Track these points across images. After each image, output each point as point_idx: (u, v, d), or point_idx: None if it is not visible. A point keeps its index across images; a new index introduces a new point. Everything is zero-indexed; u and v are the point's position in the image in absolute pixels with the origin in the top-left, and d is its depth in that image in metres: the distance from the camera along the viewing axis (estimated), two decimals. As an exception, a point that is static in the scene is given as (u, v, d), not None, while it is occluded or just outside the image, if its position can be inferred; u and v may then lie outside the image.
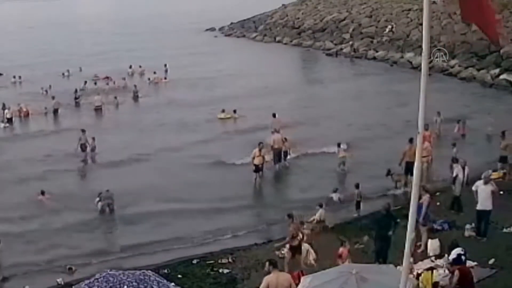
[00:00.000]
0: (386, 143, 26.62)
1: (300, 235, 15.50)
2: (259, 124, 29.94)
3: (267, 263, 11.79)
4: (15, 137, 31.57)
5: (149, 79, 44.06)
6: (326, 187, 22.15)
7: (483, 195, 16.27)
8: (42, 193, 22.07)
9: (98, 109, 35.50)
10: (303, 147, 27.14)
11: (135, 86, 39.48)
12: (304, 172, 24.79)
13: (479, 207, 16.30)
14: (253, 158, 23.33)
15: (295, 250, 15.21)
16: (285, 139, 25.34)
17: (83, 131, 27.61)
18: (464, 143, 26.32)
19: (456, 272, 12.03)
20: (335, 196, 21.21)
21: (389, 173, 21.88)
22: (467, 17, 6.00)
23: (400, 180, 21.67)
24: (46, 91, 39.37)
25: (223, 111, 33.30)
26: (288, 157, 25.60)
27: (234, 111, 33.02)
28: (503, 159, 22.28)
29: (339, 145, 24.59)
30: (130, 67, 47.39)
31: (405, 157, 21.40)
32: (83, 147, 27.23)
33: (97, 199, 21.07)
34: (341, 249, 14.85)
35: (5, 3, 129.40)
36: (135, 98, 38.68)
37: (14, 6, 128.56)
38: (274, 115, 28.50)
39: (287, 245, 15.48)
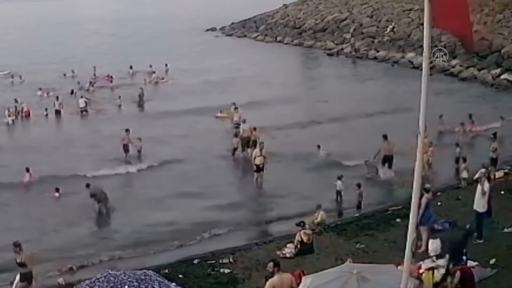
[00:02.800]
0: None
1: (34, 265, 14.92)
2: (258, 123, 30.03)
3: (271, 264, 11.35)
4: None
5: (145, 79, 43.98)
6: (326, 186, 22.14)
7: (476, 195, 16.42)
8: (57, 190, 22.22)
9: (83, 111, 34.97)
10: (301, 145, 27.33)
11: (141, 89, 38.00)
12: (304, 170, 24.83)
13: (474, 206, 16.47)
14: (254, 158, 23.36)
15: (28, 278, 14.74)
16: (254, 129, 26.78)
17: (127, 130, 26.88)
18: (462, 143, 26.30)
19: (458, 273, 12.05)
20: (339, 185, 21.19)
21: (366, 162, 23.84)
22: (439, 23, 5.84)
23: (375, 169, 23.57)
24: (53, 89, 39.26)
25: (221, 112, 33.46)
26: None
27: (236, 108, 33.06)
28: (493, 161, 22.17)
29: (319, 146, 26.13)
30: (131, 67, 47.34)
31: (382, 152, 23.23)
32: (126, 148, 26.56)
33: (91, 197, 20.98)
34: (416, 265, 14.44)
35: (5, 3, 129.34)
36: (140, 101, 37.08)
37: (15, 6, 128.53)
38: (235, 107, 30.76)
39: (18, 276, 14.85)
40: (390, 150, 23.15)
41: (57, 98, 35.56)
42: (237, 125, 29.41)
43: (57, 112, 34.77)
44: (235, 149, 26.46)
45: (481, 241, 16.07)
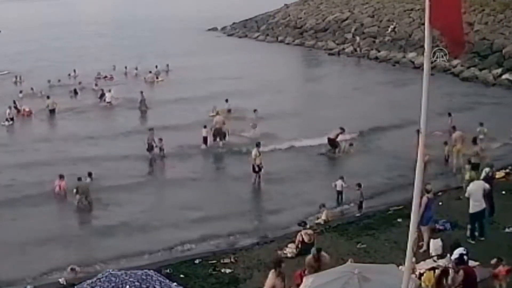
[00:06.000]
0: (387, 143, 26.75)
1: None
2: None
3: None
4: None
5: (145, 78, 43.90)
6: (326, 186, 22.14)
7: None
8: (61, 177, 22.03)
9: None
10: (300, 144, 27.50)
11: (141, 92, 36.03)
12: (304, 170, 24.84)
13: None
14: (254, 159, 23.35)
15: None
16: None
17: (151, 129, 26.93)
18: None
19: (460, 272, 12.07)
20: (339, 185, 21.18)
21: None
22: (433, 22, 5.80)
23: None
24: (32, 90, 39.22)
25: (229, 109, 33.27)
26: (227, 137, 28.13)
27: (229, 111, 32.97)
28: (474, 166, 20.94)
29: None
30: (136, 68, 46.97)
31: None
32: (150, 147, 26.45)
33: (74, 190, 20.95)
34: (500, 268, 13.23)
35: (4, 3, 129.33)
36: (142, 107, 35.33)
37: (15, 6, 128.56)
38: (229, 109, 32.19)
39: None
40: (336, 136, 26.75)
41: (48, 97, 35.56)
42: None
43: (52, 111, 34.71)
44: (205, 138, 27.49)
45: (482, 239, 16.11)
